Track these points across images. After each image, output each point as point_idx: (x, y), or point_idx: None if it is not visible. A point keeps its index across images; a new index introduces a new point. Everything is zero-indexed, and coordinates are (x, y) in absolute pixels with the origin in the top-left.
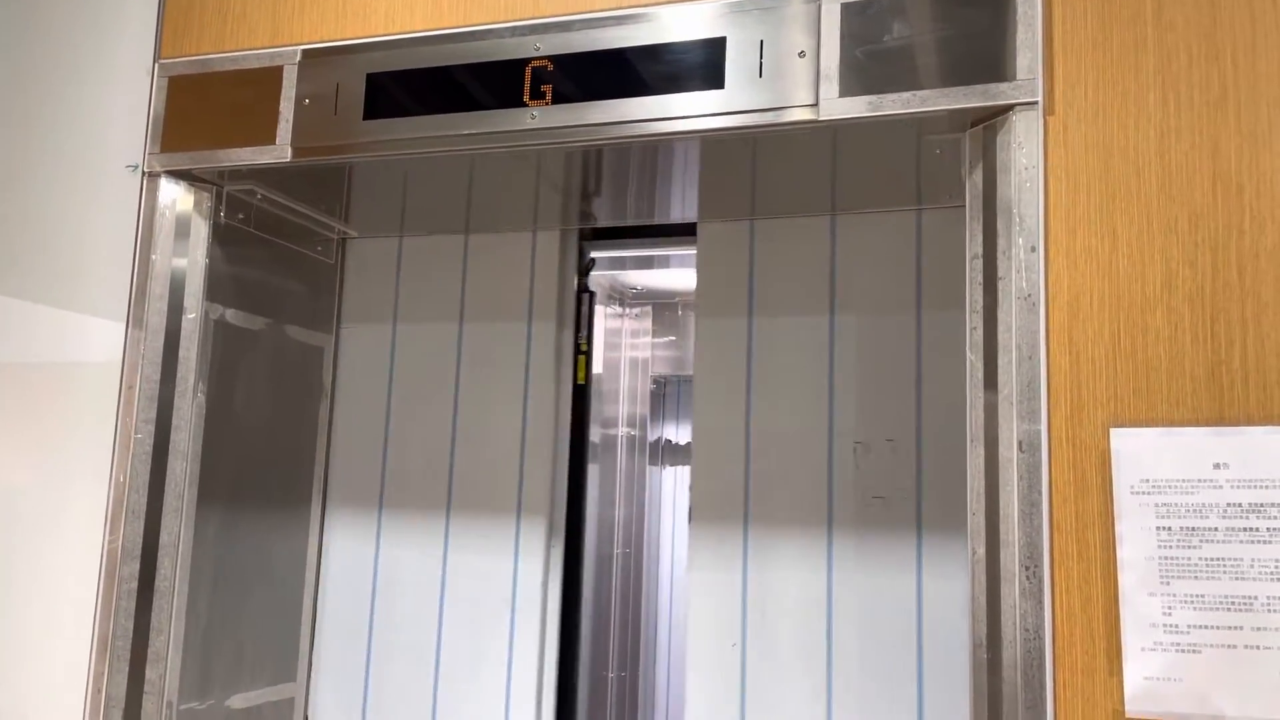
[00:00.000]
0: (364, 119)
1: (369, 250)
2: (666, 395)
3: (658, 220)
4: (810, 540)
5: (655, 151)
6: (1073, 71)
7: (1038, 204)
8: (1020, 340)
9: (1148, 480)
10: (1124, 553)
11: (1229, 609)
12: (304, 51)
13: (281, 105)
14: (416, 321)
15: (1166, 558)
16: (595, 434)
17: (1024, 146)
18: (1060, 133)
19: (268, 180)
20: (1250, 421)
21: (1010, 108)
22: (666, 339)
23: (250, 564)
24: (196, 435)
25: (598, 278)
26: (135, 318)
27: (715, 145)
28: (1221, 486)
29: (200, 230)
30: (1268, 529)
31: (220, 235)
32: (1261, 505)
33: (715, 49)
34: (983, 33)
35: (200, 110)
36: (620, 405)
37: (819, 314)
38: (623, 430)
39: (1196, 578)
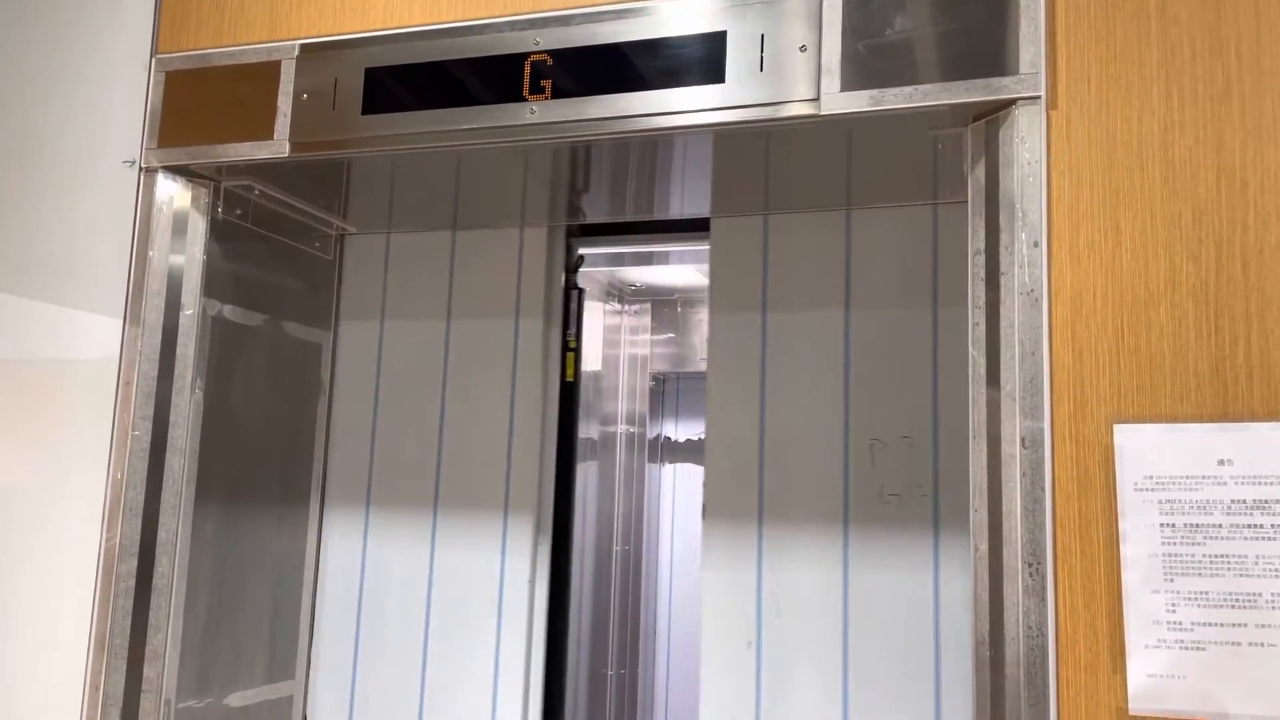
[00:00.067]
0: (362, 114)
1: (368, 246)
2: (666, 392)
3: (657, 216)
4: (826, 538)
5: (655, 146)
6: (1076, 66)
7: (1040, 199)
8: (1023, 336)
9: (1151, 477)
10: (1127, 550)
11: (1233, 606)
12: (302, 46)
13: (279, 100)
14: (409, 318)
15: (1170, 555)
16: (594, 431)
17: (1027, 141)
18: (1063, 127)
19: (266, 176)
20: (1255, 417)
21: (1013, 102)
22: (665, 336)
23: (249, 561)
24: (194, 432)
25: (595, 274)
26: (133, 314)
27: (727, 140)
28: (1225, 483)
29: (198, 226)
30: (1272, 525)
31: (218, 231)
32: (1266, 502)
33: (715, 43)
34: (985, 27)
35: (198, 105)
36: (619, 402)
37: (834, 309)
38: (622, 427)
39: (1200, 575)
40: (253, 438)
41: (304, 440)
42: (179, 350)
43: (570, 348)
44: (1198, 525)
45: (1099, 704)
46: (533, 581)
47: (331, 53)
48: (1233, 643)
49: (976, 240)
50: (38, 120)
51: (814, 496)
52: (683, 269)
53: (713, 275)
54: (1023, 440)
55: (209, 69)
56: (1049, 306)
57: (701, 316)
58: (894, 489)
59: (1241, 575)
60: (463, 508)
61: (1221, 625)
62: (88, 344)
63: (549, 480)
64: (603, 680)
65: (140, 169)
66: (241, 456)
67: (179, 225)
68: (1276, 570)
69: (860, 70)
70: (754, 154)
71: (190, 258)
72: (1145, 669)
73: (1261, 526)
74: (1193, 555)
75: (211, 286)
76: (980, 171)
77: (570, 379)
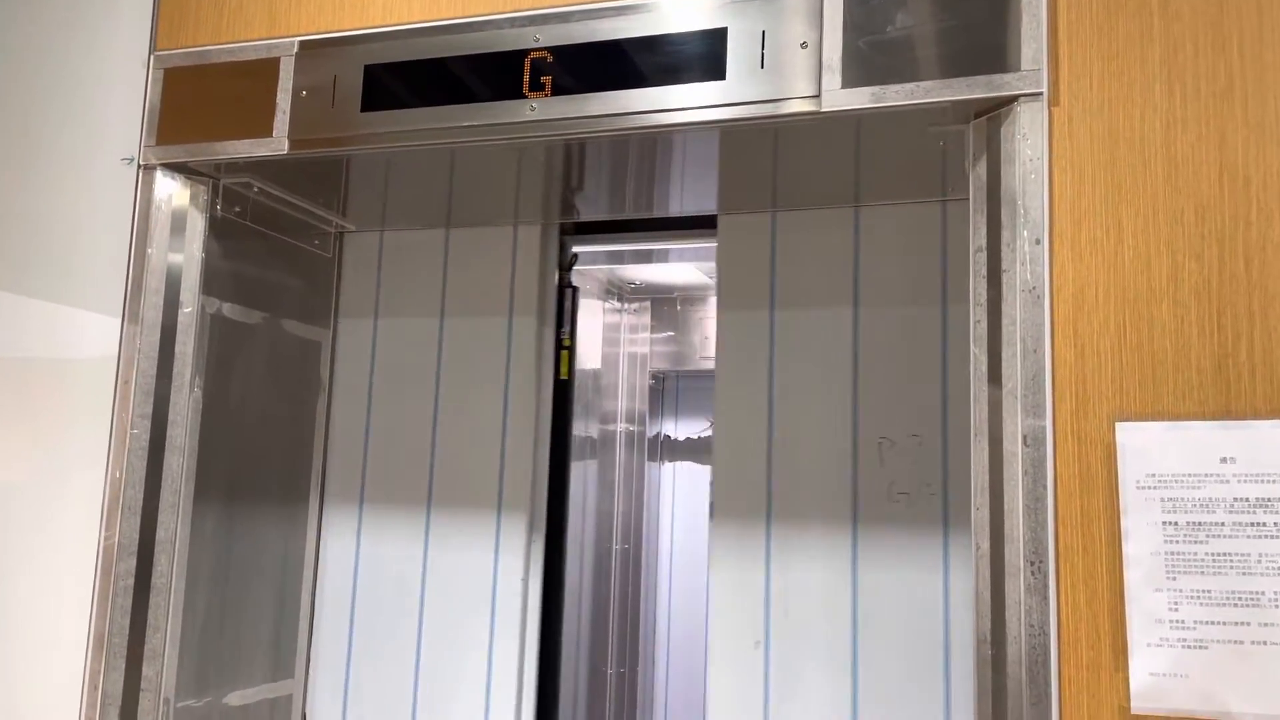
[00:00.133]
0: (362, 111)
1: (367, 244)
2: (665, 391)
3: (657, 213)
4: (834, 537)
5: (655, 144)
6: (1078, 62)
7: (1042, 196)
8: (1025, 334)
9: (1154, 475)
10: (1130, 548)
11: (1236, 604)
12: (301, 43)
13: (278, 97)
14: (404, 316)
15: (1173, 553)
16: (593, 430)
17: (1029, 138)
18: (1065, 124)
19: (264, 173)
20: (1257, 415)
21: (1015, 99)
22: (665, 334)
23: (248, 560)
24: (193, 430)
25: (594, 272)
26: (131, 312)
27: (733, 136)
28: (1228, 481)
29: (196, 224)
30: (1275, 524)
31: (217, 229)
32: (1269, 500)
33: (716, 40)
34: (987, 23)
35: (196, 103)
36: (619, 400)
37: (843, 307)
38: (621, 426)
39: (1203, 573)
40: (252, 436)
41: (303, 438)
42: (178, 348)
43: (565, 345)
44: (1200, 523)
45: (1101, 703)
46: (526, 579)
47: (331, 50)
48: (1235, 641)
49: (978, 237)
50: (36, 117)
51: (822, 495)
52: (683, 267)
53: (720, 272)
54: (1024, 438)
55: (208, 66)
56: (1051, 304)
57: (701, 314)
58: (903, 488)
59: (1244, 574)
60: (457, 505)
61: (1224, 624)
62: (86, 342)
63: (543, 478)
64: (602, 678)
65: (139, 166)
66: (241, 455)
67: (178, 223)
68: (1279, 568)
69: (861, 67)
70: (761, 150)
71: (189, 255)
72: (1147, 668)
73: (1264, 525)
74: (1195, 553)
75: (210, 284)
76: (982, 168)
77: (565, 377)
